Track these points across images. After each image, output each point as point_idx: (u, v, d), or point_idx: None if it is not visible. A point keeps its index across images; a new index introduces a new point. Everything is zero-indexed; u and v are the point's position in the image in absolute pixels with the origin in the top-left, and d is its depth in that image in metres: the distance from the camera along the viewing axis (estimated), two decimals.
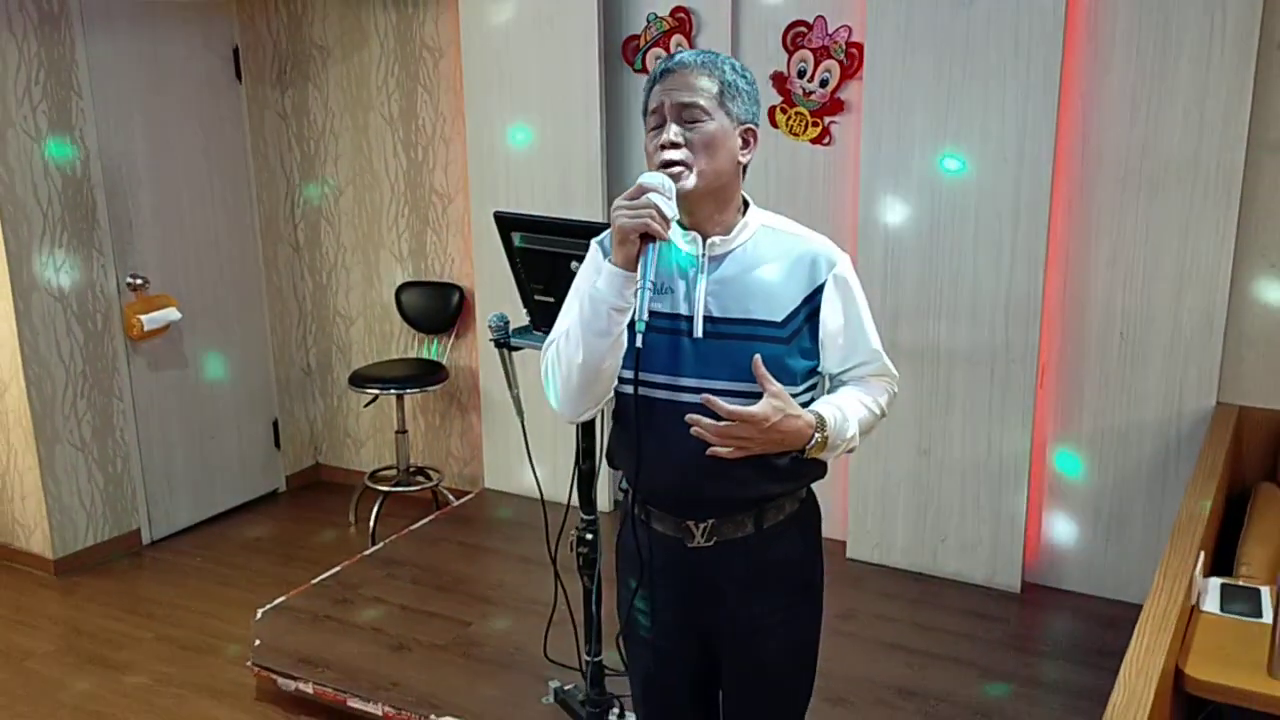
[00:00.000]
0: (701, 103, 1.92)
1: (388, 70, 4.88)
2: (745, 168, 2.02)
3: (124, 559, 4.62)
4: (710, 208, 1.98)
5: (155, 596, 4.31)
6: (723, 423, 1.86)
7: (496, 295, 4.48)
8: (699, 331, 1.96)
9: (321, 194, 5.10)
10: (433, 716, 3.25)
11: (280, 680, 3.54)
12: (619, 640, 2.29)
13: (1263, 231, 3.50)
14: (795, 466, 2.01)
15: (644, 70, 4.33)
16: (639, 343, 1.83)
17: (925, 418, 4.00)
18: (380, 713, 3.34)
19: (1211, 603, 2.61)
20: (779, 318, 1.97)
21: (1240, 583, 2.74)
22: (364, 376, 4.84)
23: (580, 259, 2.15)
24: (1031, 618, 3.87)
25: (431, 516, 4.75)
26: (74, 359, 4.39)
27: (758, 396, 1.89)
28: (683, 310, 1.97)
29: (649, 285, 1.83)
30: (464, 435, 5.15)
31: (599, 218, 4.26)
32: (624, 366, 1.95)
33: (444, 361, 5.00)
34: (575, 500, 2.91)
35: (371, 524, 4.78)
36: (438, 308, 4.96)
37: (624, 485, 2.18)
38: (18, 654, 3.89)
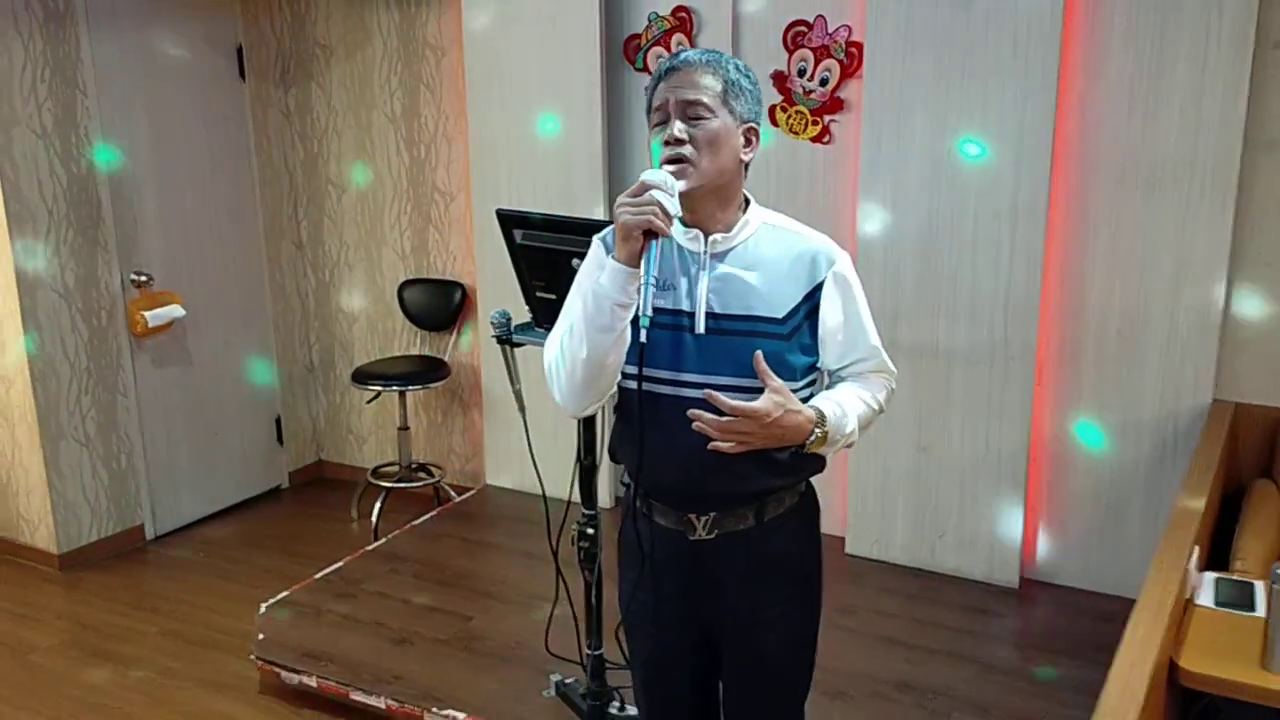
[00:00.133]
0: (705, 100, 1.95)
1: (390, 68, 4.91)
2: (747, 166, 2.04)
3: (128, 554, 4.65)
4: (712, 205, 2.01)
5: (159, 591, 4.34)
6: (725, 418, 1.89)
7: (498, 292, 4.50)
8: (701, 327, 1.99)
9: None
10: (435, 710, 3.28)
11: (284, 674, 3.57)
12: (619, 633, 2.32)
13: (1258, 230, 3.53)
14: (795, 461, 2.03)
15: (645, 69, 4.36)
16: (642, 338, 1.86)
17: (924, 415, 4.03)
18: (383, 706, 3.37)
19: (1206, 597, 2.64)
20: (780, 314, 2.00)
21: (1235, 577, 2.77)
22: (366, 373, 4.87)
23: (581, 256, 2.17)
24: (1029, 613, 3.90)
25: (433, 512, 4.79)
26: (78, 355, 4.42)
27: (759, 392, 1.92)
28: (685, 306, 2.00)
29: (652, 281, 1.86)
30: (466, 432, 5.18)
31: (600, 215, 4.29)
32: (628, 362, 1.98)
33: (447, 359, 5.03)
34: (576, 495, 2.93)
35: (374, 520, 4.80)
36: (440, 305, 4.99)
37: (625, 479, 2.21)
38: (23, 648, 3.92)
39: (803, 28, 4.03)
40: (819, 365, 2.10)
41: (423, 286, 5.04)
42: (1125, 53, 3.58)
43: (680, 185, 1.91)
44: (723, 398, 1.88)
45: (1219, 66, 3.45)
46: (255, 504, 5.20)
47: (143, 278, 4.58)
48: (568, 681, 3.29)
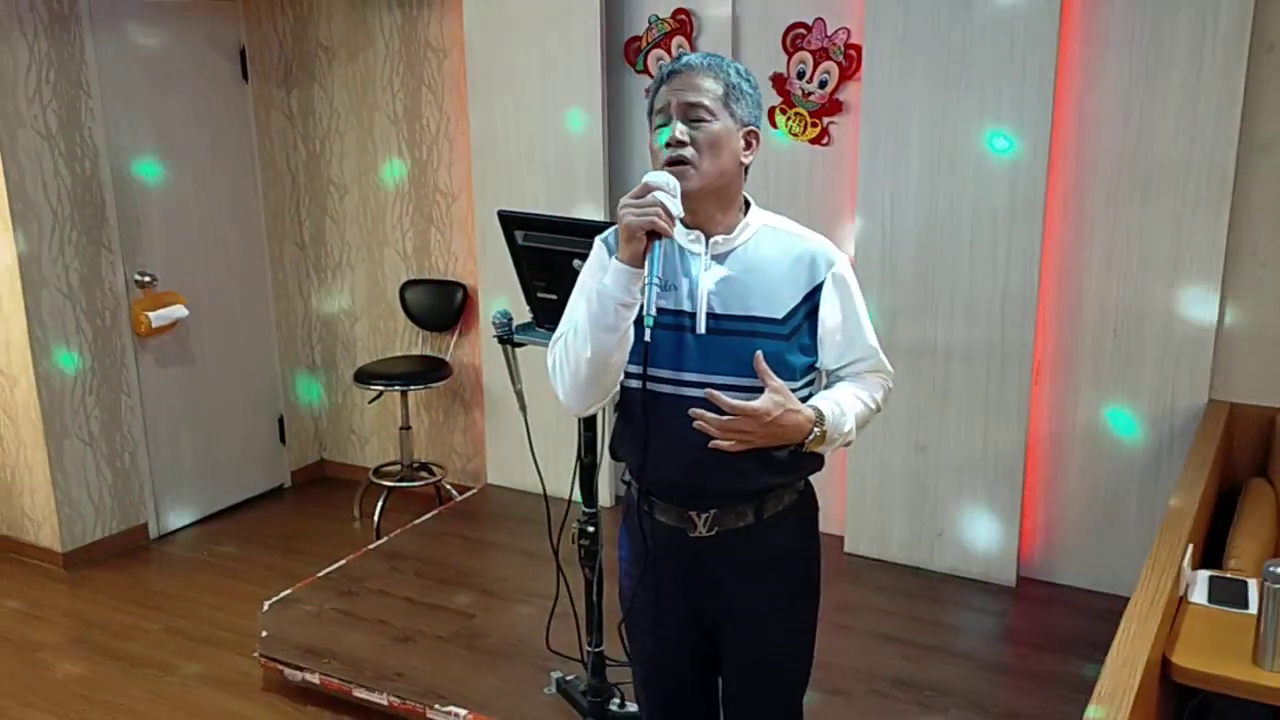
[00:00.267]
0: (707, 103, 1.98)
1: (392, 70, 4.94)
2: (747, 169, 2.08)
3: (132, 553, 4.67)
4: (713, 207, 2.04)
5: (163, 589, 4.37)
6: (725, 417, 1.92)
7: (499, 292, 4.53)
8: (702, 328, 2.02)
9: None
10: (437, 706, 3.31)
11: (287, 671, 3.60)
12: (621, 629, 2.35)
13: (1254, 230, 3.56)
14: (794, 459, 2.06)
15: (645, 71, 4.39)
16: (646, 337, 1.89)
17: (922, 414, 4.06)
18: (385, 702, 3.40)
19: (1199, 594, 2.67)
20: (779, 315, 2.03)
21: (1228, 575, 2.80)
22: (368, 373, 4.90)
23: (582, 257, 2.21)
24: (1026, 611, 3.93)
25: (435, 511, 4.82)
26: (83, 355, 4.45)
27: (759, 391, 1.95)
28: (686, 307, 2.03)
29: (656, 281, 1.89)
30: (467, 431, 5.21)
31: (601, 217, 4.32)
32: (630, 361, 2.01)
33: (448, 359, 5.06)
34: (577, 494, 2.96)
35: (376, 519, 4.83)
36: (441, 305, 5.02)
37: (626, 477, 2.24)
38: (28, 646, 3.95)
39: (802, 30, 4.06)
40: (817, 365, 2.13)
41: (424, 287, 5.07)
42: (1121, 55, 3.61)
43: (682, 186, 1.94)
44: (724, 397, 1.91)
45: (1214, 69, 3.48)
46: (258, 503, 5.23)
47: (146, 278, 4.61)
48: (568, 678, 3.31)
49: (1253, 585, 2.68)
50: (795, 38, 4.08)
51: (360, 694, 3.45)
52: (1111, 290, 3.77)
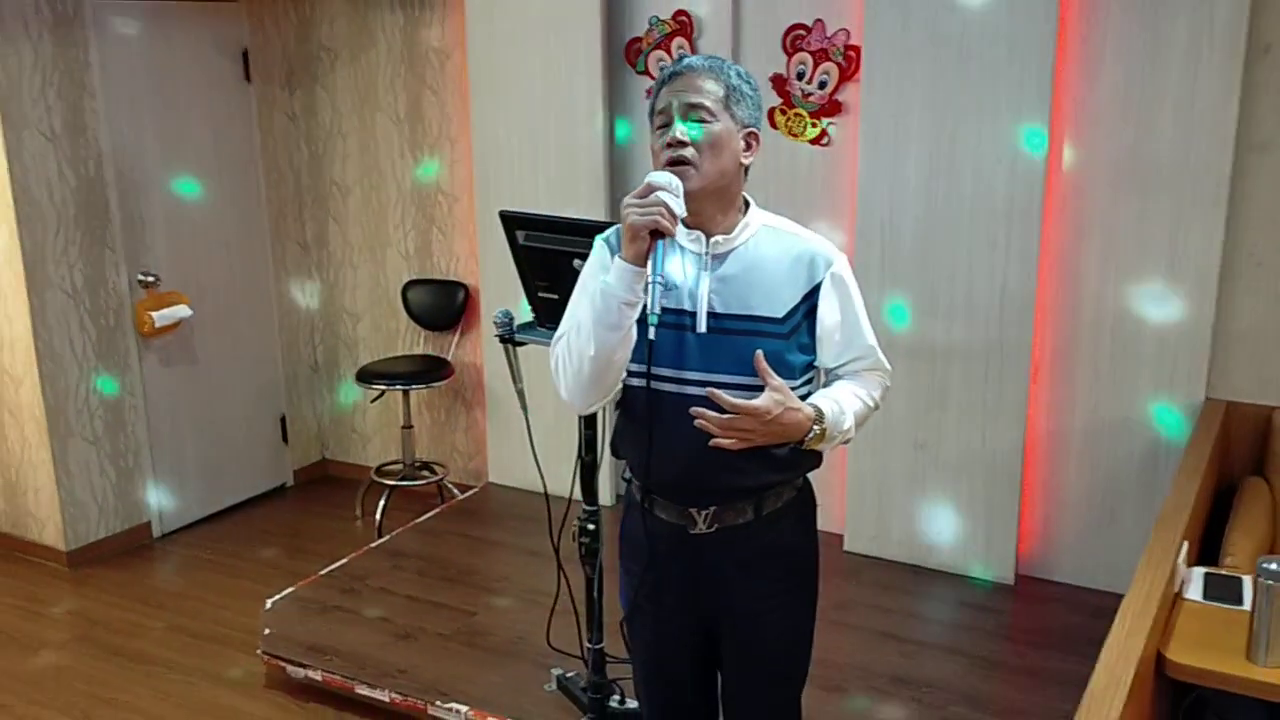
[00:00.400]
0: (708, 104, 2.01)
1: (394, 72, 4.96)
2: (747, 169, 2.11)
3: (135, 551, 4.70)
4: (714, 207, 2.06)
5: (166, 588, 4.39)
6: (726, 415, 1.94)
7: (501, 292, 4.55)
8: (702, 327, 2.05)
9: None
10: (438, 703, 3.34)
11: (290, 668, 3.62)
12: (622, 626, 2.37)
13: (1250, 230, 3.58)
14: (793, 457, 2.09)
15: (646, 72, 4.41)
16: (650, 335, 1.92)
17: (921, 413, 4.08)
18: (387, 699, 3.42)
19: (1195, 591, 2.69)
20: (779, 314, 2.06)
21: (1224, 572, 2.82)
22: (371, 372, 4.93)
23: (583, 257, 2.23)
24: (1024, 609, 3.95)
25: (437, 510, 4.84)
26: (86, 355, 4.48)
27: (759, 390, 1.98)
28: (687, 306, 2.05)
29: (660, 280, 1.92)
30: (469, 430, 5.23)
31: (602, 216, 4.34)
32: (632, 360, 2.04)
33: (450, 358, 5.08)
34: (578, 492, 2.98)
35: (378, 517, 4.86)
36: (443, 305, 5.05)
37: (626, 475, 2.27)
38: (33, 644, 3.98)
39: (801, 31, 4.09)
40: (816, 364, 2.16)
41: (426, 287, 5.09)
42: (1119, 56, 3.63)
43: (683, 186, 1.97)
44: (725, 396, 1.94)
45: (1211, 70, 3.50)
46: (261, 502, 5.26)
47: (150, 278, 4.64)
48: (569, 675, 3.34)
49: (1247, 582, 2.70)
50: (795, 39, 4.10)
51: (362, 691, 3.47)
52: (1109, 290, 3.79)
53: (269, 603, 3.90)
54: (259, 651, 3.72)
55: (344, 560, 4.28)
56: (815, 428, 2.03)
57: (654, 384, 2.03)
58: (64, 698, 3.63)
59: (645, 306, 1.93)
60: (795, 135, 4.17)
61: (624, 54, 4.46)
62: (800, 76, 4.12)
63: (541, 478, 3.03)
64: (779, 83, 4.16)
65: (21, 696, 3.64)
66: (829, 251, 2.12)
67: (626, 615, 2.31)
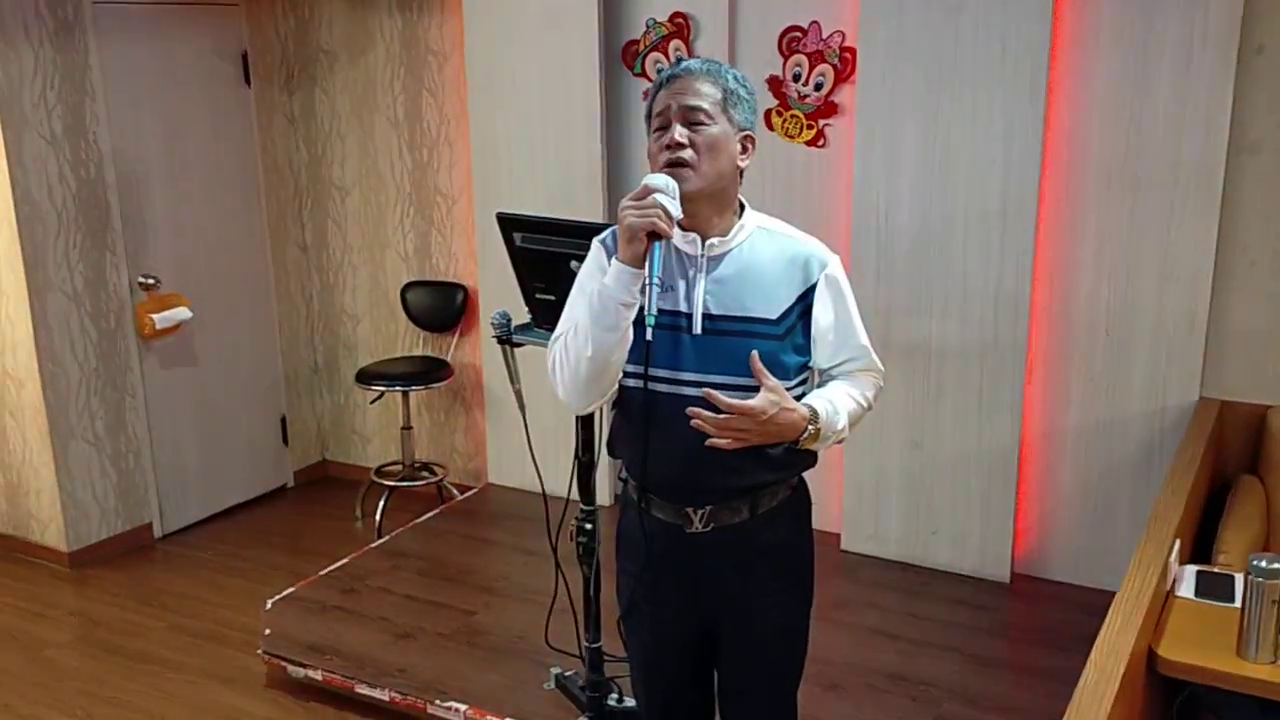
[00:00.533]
0: (706, 107, 2.04)
1: (393, 74, 4.98)
2: (742, 173, 2.13)
3: (136, 552, 4.71)
4: (710, 210, 2.09)
5: (168, 588, 4.41)
6: (722, 415, 1.97)
7: (500, 294, 4.56)
8: (698, 328, 2.07)
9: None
10: (438, 702, 3.36)
11: (290, 667, 3.64)
12: (619, 624, 2.39)
13: (1243, 230, 3.60)
14: (788, 456, 2.11)
15: (643, 74, 4.43)
16: (648, 336, 1.94)
17: (917, 412, 4.10)
18: (387, 698, 3.44)
19: (1186, 589, 2.71)
20: (774, 315, 2.08)
21: (1216, 570, 2.84)
22: (370, 374, 4.95)
23: (579, 259, 2.25)
24: (1020, 607, 3.98)
25: (436, 510, 4.86)
26: (88, 357, 4.50)
27: (754, 390, 2.00)
28: (683, 308, 2.08)
29: (657, 281, 1.94)
30: (468, 431, 5.25)
31: (600, 218, 4.36)
32: (630, 361, 2.06)
33: (449, 359, 5.10)
34: (575, 492, 3.00)
35: (378, 518, 4.88)
36: (442, 306, 5.07)
37: (623, 474, 2.29)
38: (35, 644, 4.00)
39: (797, 33, 4.11)
40: (810, 364, 2.18)
41: (425, 288, 5.11)
42: (1112, 58, 3.65)
43: (680, 188, 1.99)
44: (721, 396, 1.96)
45: (1203, 71, 3.52)
46: (261, 503, 5.27)
47: (150, 281, 4.66)
48: (567, 674, 3.36)
49: (1239, 579, 2.71)
50: (791, 41, 4.13)
51: (362, 690, 3.49)
52: (1103, 289, 3.82)
53: (269, 603, 3.92)
54: (259, 651, 3.74)
55: (344, 560, 4.30)
56: (810, 427, 2.05)
57: (650, 385, 2.05)
58: (66, 698, 3.65)
59: (642, 308, 1.95)
60: (791, 137, 4.20)
61: (621, 56, 4.48)
62: (796, 78, 4.15)
63: (539, 478, 3.05)
64: (775, 84, 4.18)
65: (24, 696, 3.66)
66: (823, 253, 2.15)
67: (623, 613, 2.33)
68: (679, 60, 4.23)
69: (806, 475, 2.25)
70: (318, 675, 3.58)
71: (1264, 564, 2.37)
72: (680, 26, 4.31)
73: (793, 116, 4.18)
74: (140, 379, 4.70)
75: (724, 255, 2.10)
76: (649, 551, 2.19)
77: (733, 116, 2.06)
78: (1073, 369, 3.92)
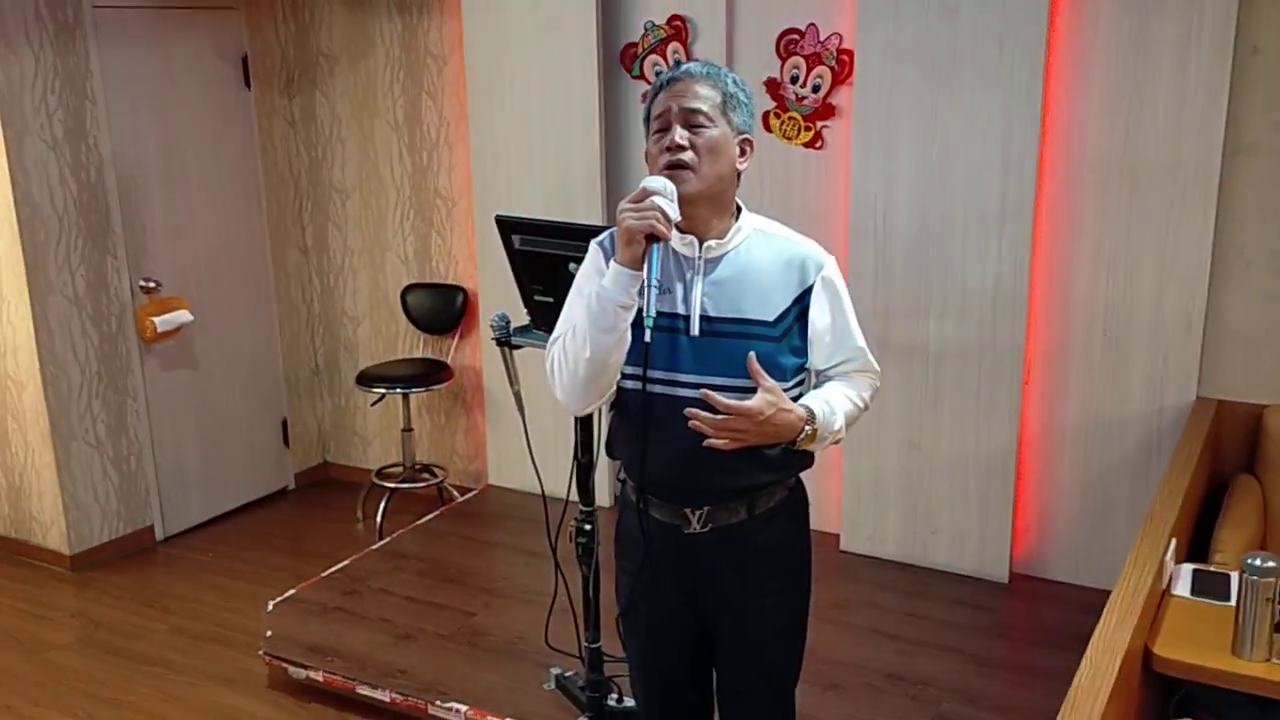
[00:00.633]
0: (706, 109, 2.05)
1: (393, 77, 5.00)
2: (740, 176, 2.14)
3: (138, 554, 4.73)
4: (708, 212, 2.10)
5: (169, 590, 4.43)
6: (720, 416, 1.98)
7: (500, 296, 4.57)
8: (696, 330, 2.08)
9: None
10: (438, 702, 3.37)
11: (291, 669, 3.66)
12: (619, 623, 2.40)
13: (1240, 230, 3.61)
14: (785, 457, 2.13)
15: (642, 76, 4.45)
16: (647, 338, 1.96)
17: (915, 413, 4.12)
18: (387, 699, 3.46)
19: (1182, 587, 2.73)
20: (771, 317, 2.09)
21: (1212, 568, 2.86)
22: (371, 376, 4.96)
23: (578, 261, 2.26)
24: (1018, 607, 3.99)
25: (437, 512, 4.87)
26: (89, 360, 4.52)
27: (752, 391, 2.01)
28: (680, 310, 2.09)
29: (655, 283, 1.95)
30: (468, 433, 5.27)
31: (599, 221, 4.38)
32: (627, 362, 2.08)
33: (449, 361, 5.12)
34: (574, 494, 3.02)
35: (379, 520, 4.89)
36: (442, 309, 5.08)
37: (621, 475, 2.30)
38: (37, 646, 4.01)
39: (795, 36, 4.12)
40: (807, 365, 2.19)
41: (425, 291, 5.13)
42: (1108, 58, 3.66)
43: (679, 190, 2.00)
44: (719, 397, 1.98)
45: (1199, 71, 3.53)
46: (262, 505, 5.29)
47: (151, 284, 4.67)
48: (567, 674, 3.37)
49: (1235, 578, 2.72)
50: (789, 43, 4.14)
51: (363, 691, 3.50)
52: (1100, 289, 3.83)
53: (271, 604, 3.93)
54: (261, 653, 3.75)
55: (345, 562, 4.31)
56: (807, 428, 2.07)
57: (648, 386, 2.07)
58: (68, 699, 3.67)
59: (641, 310, 1.97)
60: (789, 139, 4.21)
61: (619, 59, 4.49)
62: (794, 80, 4.16)
63: (539, 477, 3.06)
64: (773, 87, 4.19)
65: (26, 698, 3.68)
66: (819, 255, 2.16)
67: (622, 613, 2.34)
68: (678, 63, 4.26)
69: (805, 476, 2.27)
70: (319, 676, 3.59)
71: (1258, 562, 2.38)
72: (678, 29, 4.33)
73: (790, 118, 4.19)
74: (141, 382, 4.72)
75: (721, 258, 2.12)
76: (648, 551, 2.20)
77: (732, 120, 2.08)
78: (1071, 369, 3.93)
